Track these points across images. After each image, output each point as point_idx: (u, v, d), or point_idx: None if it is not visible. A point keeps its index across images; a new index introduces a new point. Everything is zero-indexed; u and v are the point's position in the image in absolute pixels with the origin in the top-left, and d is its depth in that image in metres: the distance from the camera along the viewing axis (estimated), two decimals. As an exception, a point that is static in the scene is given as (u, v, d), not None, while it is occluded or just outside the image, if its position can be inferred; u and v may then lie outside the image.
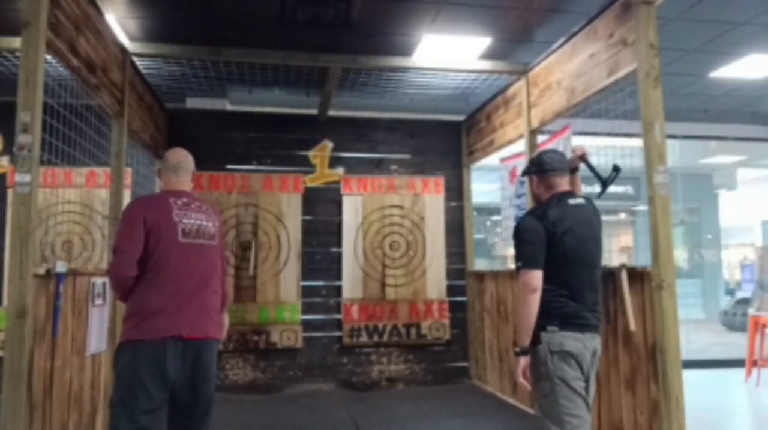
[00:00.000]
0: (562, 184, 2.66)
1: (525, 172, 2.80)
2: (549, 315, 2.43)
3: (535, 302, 2.41)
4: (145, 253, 2.43)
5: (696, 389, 5.49)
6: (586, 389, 2.47)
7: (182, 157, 2.71)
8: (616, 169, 2.76)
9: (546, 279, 2.45)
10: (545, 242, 2.46)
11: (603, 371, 3.39)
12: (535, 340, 2.44)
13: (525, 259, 2.46)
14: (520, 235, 2.53)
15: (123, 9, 4.52)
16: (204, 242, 2.56)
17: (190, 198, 2.64)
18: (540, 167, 2.67)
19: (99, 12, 3.63)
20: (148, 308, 2.40)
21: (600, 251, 2.65)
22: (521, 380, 2.46)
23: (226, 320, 2.77)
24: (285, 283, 5.64)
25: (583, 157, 2.83)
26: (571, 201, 2.59)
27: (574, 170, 2.82)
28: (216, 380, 2.58)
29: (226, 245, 2.68)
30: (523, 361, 2.45)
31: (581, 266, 2.51)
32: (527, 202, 4.53)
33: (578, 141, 4.20)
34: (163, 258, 2.44)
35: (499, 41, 5.20)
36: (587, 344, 2.46)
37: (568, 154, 4.09)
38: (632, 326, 3.18)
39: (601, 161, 4.04)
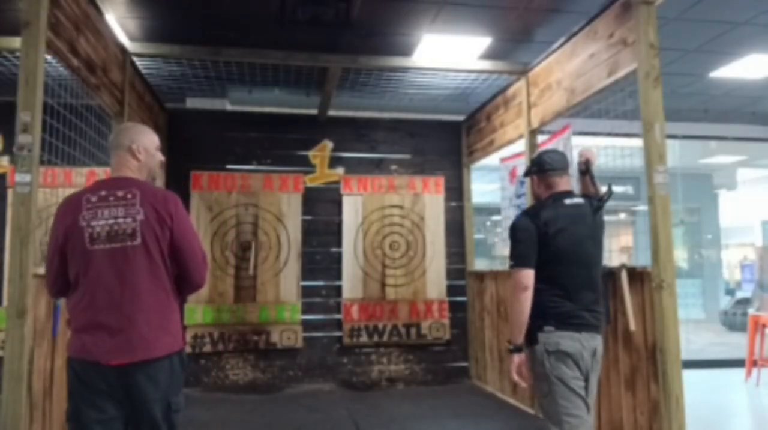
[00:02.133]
0: (562, 183, 2.67)
1: (526, 173, 2.82)
2: (545, 315, 2.45)
3: (526, 300, 2.44)
4: (65, 265, 2.09)
5: (696, 389, 5.49)
6: (586, 388, 2.47)
7: (116, 133, 2.29)
8: (610, 190, 2.78)
9: (541, 279, 2.46)
10: (537, 241, 2.47)
11: (603, 371, 3.38)
12: (532, 340, 2.45)
13: (516, 258, 2.50)
14: (513, 234, 2.57)
15: (123, 9, 4.52)
16: (119, 245, 2.04)
17: (111, 188, 2.12)
18: (540, 167, 2.69)
19: (99, 12, 3.63)
20: (71, 327, 2.12)
21: (600, 251, 2.66)
22: (516, 377, 2.49)
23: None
24: (285, 283, 5.64)
25: (587, 163, 2.85)
26: (568, 201, 2.60)
27: (584, 173, 2.85)
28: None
29: (183, 228, 2.14)
30: (517, 358, 2.49)
31: (577, 265, 2.51)
32: (527, 203, 4.53)
33: (578, 141, 4.21)
34: (74, 271, 2.07)
35: (499, 41, 5.20)
36: (585, 344, 2.46)
37: (568, 155, 4.12)
38: (632, 326, 3.18)
39: (602, 161, 4.06)
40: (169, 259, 2.12)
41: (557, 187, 2.65)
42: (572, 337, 2.44)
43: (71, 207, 2.11)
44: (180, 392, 2.13)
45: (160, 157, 2.33)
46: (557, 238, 2.48)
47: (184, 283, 2.19)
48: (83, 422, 2.01)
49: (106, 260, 2.04)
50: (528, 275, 2.45)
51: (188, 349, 5.39)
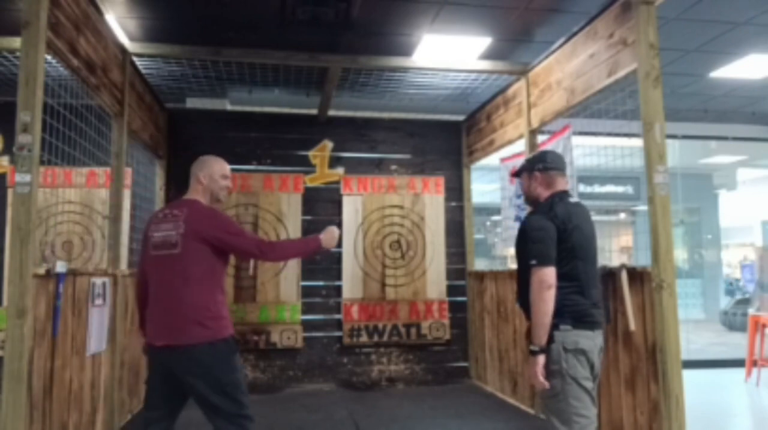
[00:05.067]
0: (562, 183, 2.68)
1: (527, 169, 2.75)
2: (561, 314, 2.43)
3: (551, 299, 2.40)
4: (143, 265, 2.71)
5: (696, 389, 5.50)
6: (593, 388, 2.48)
7: (193, 164, 2.79)
8: None
9: (557, 277, 2.44)
10: (556, 239, 2.46)
11: (603, 371, 3.39)
12: (548, 339, 2.44)
13: (538, 257, 2.44)
14: (529, 234, 2.52)
15: (123, 9, 4.52)
16: (166, 252, 2.56)
17: (173, 207, 2.69)
18: (545, 164, 2.68)
19: (99, 12, 3.63)
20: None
21: (597, 250, 2.68)
22: (541, 379, 2.41)
23: (295, 248, 2.93)
24: (285, 283, 5.64)
25: None
26: (571, 200, 2.64)
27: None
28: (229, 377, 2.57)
29: (223, 235, 2.59)
30: (542, 359, 2.42)
31: (587, 261, 2.53)
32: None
33: (578, 141, 4.22)
34: (142, 272, 2.70)
35: (499, 41, 5.20)
36: (596, 342, 2.49)
37: (568, 155, 4.12)
38: (632, 326, 3.18)
39: (601, 161, 4.06)
40: (219, 258, 2.62)
41: (557, 186, 2.66)
42: (587, 335, 2.45)
43: (151, 221, 2.72)
44: (231, 372, 2.54)
45: (223, 183, 2.78)
46: (574, 234, 2.49)
47: (256, 260, 2.76)
48: (146, 388, 2.64)
49: (158, 264, 2.59)
50: (552, 273, 2.42)
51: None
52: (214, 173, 2.74)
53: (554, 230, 2.47)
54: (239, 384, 2.56)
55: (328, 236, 2.83)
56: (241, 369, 2.65)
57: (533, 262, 2.45)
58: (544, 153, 2.81)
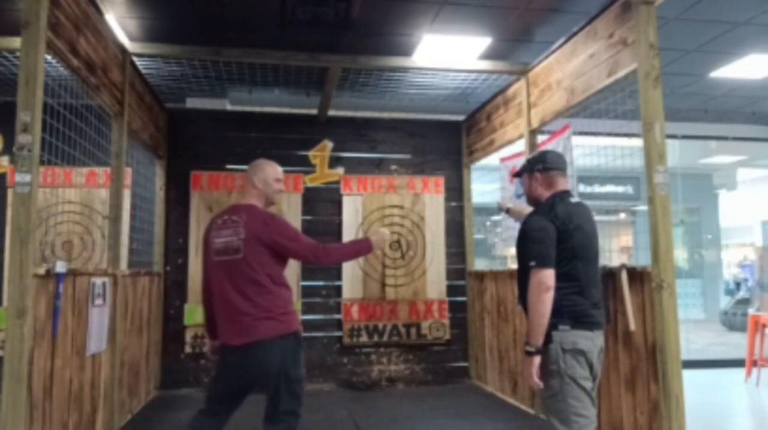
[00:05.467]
0: (562, 182, 2.67)
1: (527, 170, 2.75)
2: (560, 314, 2.43)
3: (549, 300, 2.40)
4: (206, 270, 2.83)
5: (696, 389, 5.50)
6: (592, 388, 2.47)
7: (248, 168, 2.92)
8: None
9: (557, 277, 2.44)
10: (556, 239, 2.46)
11: (603, 371, 3.38)
12: (546, 339, 2.43)
13: (537, 258, 2.44)
14: (529, 234, 2.52)
15: (123, 9, 4.52)
16: (229, 257, 2.69)
17: (231, 213, 2.79)
18: (545, 164, 2.68)
19: (99, 12, 3.63)
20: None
21: (598, 250, 2.67)
22: (536, 379, 2.42)
23: (352, 251, 2.99)
24: (285, 283, 5.62)
25: (507, 210, 3.57)
26: (572, 200, 2.62)
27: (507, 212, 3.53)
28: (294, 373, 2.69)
29: (280, 240, 2.74)
30: (537, 360, 2.43)
31: (587, 262, 2.52)
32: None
33: (578, 141, 4.22)
34: (207, 276, 2.82)
35: (499, 41, 5.20)
36: (596, 342, 2.48)
37: (568, 155, 4.12)
38: (632, 326, 3.18)
39: (601, 161, 4.06)
40: (279, 259, 2.78)
41: (558, 186, 2.65)
42: (586, 336, 2.45)
43: (209, 226, 2.84)
44: (297, 367, 2.68)
45: (277, 187, 2.89)
46: (575, 234, 2.48)
47: (318, 267, 2.81)
48: (211, 384, 2.81)
49: (221, 268, 2.71)
50: (551, 275, 2.41)
51: (188, 349, 5.40)
52: (267, 177, 2.85)
53: (554, 230, 2.47)
54: (302, 380, 2.72)
55: (378, 239, 2.96)
56: (304, 365, 2.78)
57: (532, 263, 2.45)
58: (544, 153, 2.81)
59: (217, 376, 2.79)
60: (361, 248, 2.96)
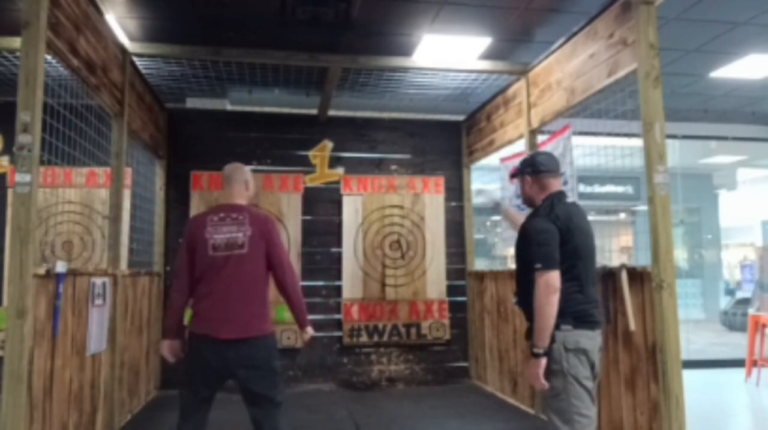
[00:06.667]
0: (555, 184, 2.68)
1: (518, 174, 2.78)
2: (562, 314, 2.43)
3: (556, 302, 2.40)
4: (194, 267, 2.82)
5: (696, 389, 5.50)
6: (593, 387, 2.48)
7: (232, 171, 2.99)
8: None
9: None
10: (558, 241, 2.46)
11: (603, 371, 3.39)
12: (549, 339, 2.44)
13: (543, 260, 2.44)
14: (533, 237, 2.51)
15: (123, 9, 4.52)
16: (232, 252, 2.78)
17: (228, 211, 2.87)
18: (534, 168, 2.69)
19: (99, 12, 3.63)
20: (195, 311, 2.82)
21: (595, 248, 2.69)
22: (542, 381, 2.41)
23: (302, 315, 2.97)
24: (285, 283, 5.62)
25: (496, 206, 3.58)
26: (569, 200, 2.64)
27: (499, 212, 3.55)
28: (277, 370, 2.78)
29: (274, 242, 2.89)
30: (544, 362, 2.42)
31: (587, 261, 2.54)
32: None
33: (578, 141, 4.22)
34: (199, 270, 2.80)
35: (499, 41, 5.20)
36: (596, 341, 2.50)
37: (568, 155, 4.12)
38: (632, 326, 3.18)
39: (601, 161, 4.06)
40: (266, 265, 2.85)
41: (552, 188, 2.66)
42: (588, 335, 2.46)
43: (198, 225, 2.86)
44: (277, 362, 2.83)
45: (255, 191, 3.09)
46: (576, 234, 2.50)
47: (276, 283, 2.89)
48: (191, 379, 2.74)
49: (223, 263, 2.76)
50: (557, 277, 2.42)
51: (188, 349, 5.39)
52: (252, 182, 3.04)
53: (557, 232, 2.47)
54: (279, 373, 2.87)
55: (308, 336, 3.01)
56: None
57: (538, 265, 2.44)
58: (534, 156, 2.80)
59: (195, 370, 2.75)
60: (303, 308, 2.98)
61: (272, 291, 2.86)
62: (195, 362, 2.75)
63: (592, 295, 2.53)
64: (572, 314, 2.45)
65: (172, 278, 2.92)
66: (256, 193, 3.08)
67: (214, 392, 2.79)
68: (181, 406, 2.78)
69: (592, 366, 2.47)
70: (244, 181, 2.97)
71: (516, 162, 5.08)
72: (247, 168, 3.06)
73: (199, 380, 2.74)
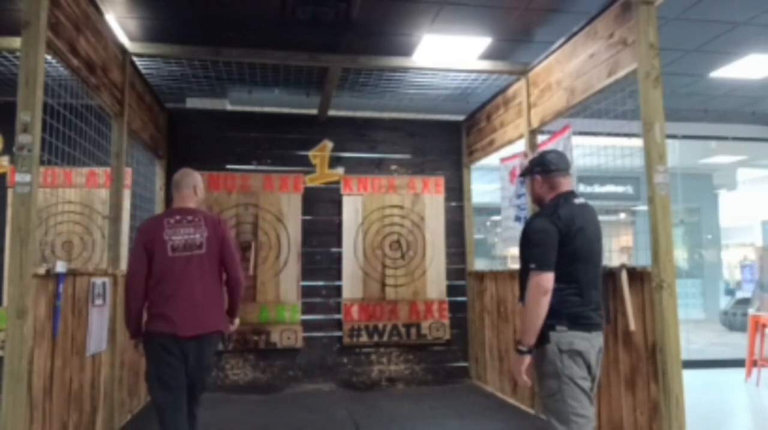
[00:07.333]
0: (566, 184, 2.65)
1: (527, 173, 2.76)
2: (558, 315, 2.43)
3: (546, 303, 2.41)
4: (150, 268, 2.90)
5: (696, 389, 5.50)
6: (591, 388, 2.48)
7: (182, 176, 3.13)
8: None
9: (556, 278, 2.44)
10: (557, 242, 2.45)
11: (603, 371, 3.38)
12: (543, 339, 2.44)
13: (538, 260, 2.44)
14: (530, 236, 2.52)
15: (123, 9, 4.52)
16: (193, 253, 2.92)
17: (184, 214, 3.01)
18: (544, 167, 2.66)
19: (99, 12, 3.63)
20: (151, 312, 2.90)
21: (602, 251, 2.66)
22: (524, 377, 2.46)
23: (238, 308, 3.15)
24: (285, 283, 5.64)
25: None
26: (576, 201, 2.60)
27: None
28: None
29: (227, 242, 3.04)
30: (528, 359, 2.46)
31: (588, 264, 2.52)
32: (527, 203, 4.53)
33: (578, 141, 4.22)
34: (158, 271, 2.89)
35: (499, 41, 5.20)
36: (594, 343, 2.48)
37: (568, 155, 4.12)
38: (632, 326, 3.18)
39: (601, 161, 4.06)
40: (219, 263, 3.00)
41: (561, 188, 2.63)
42: (583, 337, 2.45)
43: (153, 228, 2.96)
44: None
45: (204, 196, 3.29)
46: (577, 237, 2.48)
47: (228, 280, 3.04)
48: (163, 379, 2.84)
49: (185, 264, 2.89)
50: (549, 278, 2.42)
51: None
52: (201, 186, 3.18)
53: (556, 233, 2.46)
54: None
55: (234, 327, 3.25)
56: None
57: (532, 265, 2.45)
58: (544, 154, 2.78)
59: (168, 371, 2.84)
60: (240, 301, 3.16)
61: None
62: (163, 361, 2.84)
63: (591, 298, 2.51)
64: (567, 315, 2.45)
65: (126, 281, 2.97)
66: (203, 199, 3.27)
67: (184, 390, 2.90)
68: (159, 410, 2.85)
69: (589, 367, 2.46)
70: (192, 186, 3.11)
71: (516, 162, 5.10)
72: (197, 173, 3.18)
73: (170, 378, 2.84)
